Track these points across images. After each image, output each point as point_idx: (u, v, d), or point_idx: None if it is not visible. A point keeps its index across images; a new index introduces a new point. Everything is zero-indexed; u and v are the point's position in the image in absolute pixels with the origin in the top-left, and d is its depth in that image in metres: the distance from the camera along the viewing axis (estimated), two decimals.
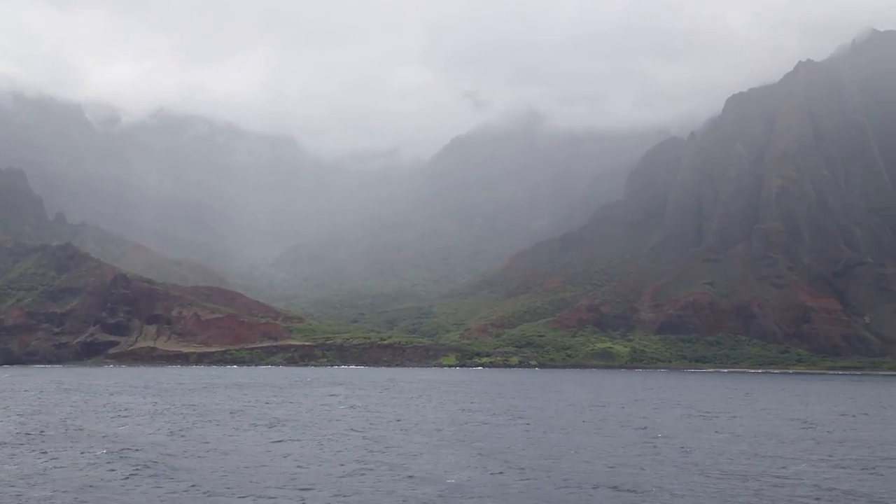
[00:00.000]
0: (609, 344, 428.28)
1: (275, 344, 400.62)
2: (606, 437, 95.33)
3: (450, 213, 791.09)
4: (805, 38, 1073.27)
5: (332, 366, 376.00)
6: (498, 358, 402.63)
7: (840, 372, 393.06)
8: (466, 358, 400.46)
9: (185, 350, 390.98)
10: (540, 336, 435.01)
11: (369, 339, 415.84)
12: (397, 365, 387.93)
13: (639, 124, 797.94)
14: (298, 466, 70.62)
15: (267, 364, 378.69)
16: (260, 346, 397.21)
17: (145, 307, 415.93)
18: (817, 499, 61.02)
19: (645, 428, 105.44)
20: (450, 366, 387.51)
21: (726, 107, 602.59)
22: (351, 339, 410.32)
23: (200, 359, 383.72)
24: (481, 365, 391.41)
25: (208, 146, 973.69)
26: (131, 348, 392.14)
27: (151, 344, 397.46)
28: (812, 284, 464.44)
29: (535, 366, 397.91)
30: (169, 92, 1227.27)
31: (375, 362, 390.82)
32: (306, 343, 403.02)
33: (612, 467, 72.01)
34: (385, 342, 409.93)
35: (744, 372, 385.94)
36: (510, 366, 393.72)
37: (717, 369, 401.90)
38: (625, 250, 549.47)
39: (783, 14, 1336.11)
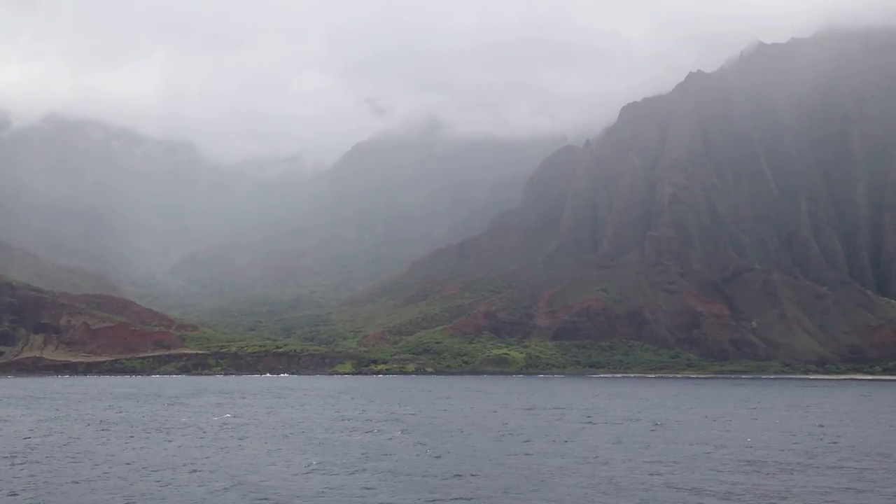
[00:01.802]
0: (505, 350, 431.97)
1: (167, 353, 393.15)
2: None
3: (350, 219, 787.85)
4: (695, 49, 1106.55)
5: (225, 374, 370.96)
6: (395, 365, 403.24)
7: (728, 376, 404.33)
8: (363, 365, 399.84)
9: (73, 360, 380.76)
10: (437, 343, 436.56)
11: (265, 347, 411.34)
12: (293, 373, 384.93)
13: (537, 132, 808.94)
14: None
15: (158, 373, 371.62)
16: (152, 355, 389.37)
17: (32, 316, 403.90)
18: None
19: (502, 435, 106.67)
20: (346, 373, 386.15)
21: (620, 116, 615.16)
22: (246, 348, 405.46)
23: (89, 369, 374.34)
24: (378, 372, 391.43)
25: (103, 151, 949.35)
26: (16, 358, 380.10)
27: (38, 354, 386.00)
28: (702, 290, 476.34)
29: (431, 372, 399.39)
30: (62, 95, 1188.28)
31: (271, 370, 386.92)
32: (200, 352, 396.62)
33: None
34: (281, 350, 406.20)
35: (638, 377, 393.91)
36: (406, 373, 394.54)
37: (610, 374, 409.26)
38: (522, 257, 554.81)
39: (675, 27, 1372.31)
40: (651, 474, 75.45)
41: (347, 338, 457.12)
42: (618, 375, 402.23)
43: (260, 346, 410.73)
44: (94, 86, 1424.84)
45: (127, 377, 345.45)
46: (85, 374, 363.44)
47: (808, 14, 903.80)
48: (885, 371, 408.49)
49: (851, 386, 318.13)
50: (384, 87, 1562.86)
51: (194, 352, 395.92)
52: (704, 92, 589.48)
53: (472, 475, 74.09)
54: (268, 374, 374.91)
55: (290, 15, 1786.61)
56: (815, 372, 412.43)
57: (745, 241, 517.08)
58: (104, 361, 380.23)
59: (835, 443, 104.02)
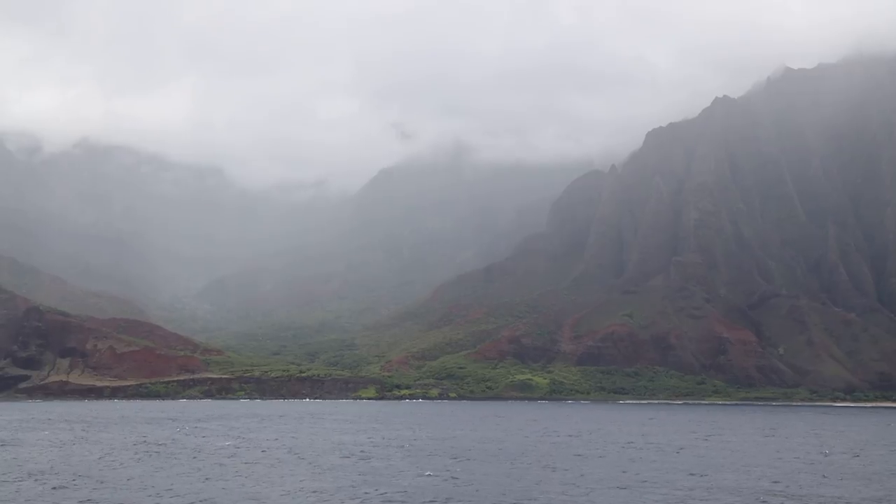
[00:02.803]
0: (529, 375, 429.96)
1: (192, 377, 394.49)
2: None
3: (376, 244, 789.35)
4: (722, 74, 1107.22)
5: (249, 399, 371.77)
6: (418, 390, 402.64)
7: (754, 403, 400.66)
8: (386, 390, 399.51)
9: (98, 384, 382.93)
10: (460, 368, 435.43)
11: (288, 371, 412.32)
12: (316, 398, 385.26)
13: (563, 157, 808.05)
14: None
15: (183, 397, 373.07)
16: (176, 379, 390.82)
17: (59, 340, 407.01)
18: None
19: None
20: (369, 398, 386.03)
21: (646, 141, 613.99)
22: (269, 372, 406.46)
23: (115, 393, 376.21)
24: (401, 397, 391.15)
25: (133, 176, 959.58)
26: (43, 382, 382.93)
27: (64, 378, 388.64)
28: (728, 316, 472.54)
29: (454, 397, 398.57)
30: (93, 121, 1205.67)
31: (294, 395, 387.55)
32: (224, 376, 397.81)
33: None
34: (304, 375, 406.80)
35: (663, 403, 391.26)
36: (430, 398, 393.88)
37: (636, 401, 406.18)
38: (547, 282, 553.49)
39: (701, 52, 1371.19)
40: None
41: (371, 362, 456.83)
42: (643, 402, 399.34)
43: (284, 371, 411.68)
44: (124, 111, 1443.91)
45: (151, 402, 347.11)
46: (110, 399, 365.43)
47: (835, 39, 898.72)
48: None
49: (878, 414, 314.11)
50: (410, 112, 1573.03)
51: (218, 376, 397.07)
52: (731, 117, 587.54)
53: None
54: (291, 399, 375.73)
55: (317, 41, 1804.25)
56: (843, 399, 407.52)
57: (772, 267, 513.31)
58: (129, 385, 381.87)
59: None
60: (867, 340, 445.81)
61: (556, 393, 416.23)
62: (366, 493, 78.95)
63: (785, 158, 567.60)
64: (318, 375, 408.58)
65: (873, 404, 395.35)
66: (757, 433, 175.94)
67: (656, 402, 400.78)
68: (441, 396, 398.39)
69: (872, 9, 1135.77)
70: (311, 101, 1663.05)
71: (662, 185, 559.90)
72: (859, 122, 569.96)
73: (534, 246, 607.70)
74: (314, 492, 79.54)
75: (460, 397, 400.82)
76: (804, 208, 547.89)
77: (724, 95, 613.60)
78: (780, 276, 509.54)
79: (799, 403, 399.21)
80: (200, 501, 74.60)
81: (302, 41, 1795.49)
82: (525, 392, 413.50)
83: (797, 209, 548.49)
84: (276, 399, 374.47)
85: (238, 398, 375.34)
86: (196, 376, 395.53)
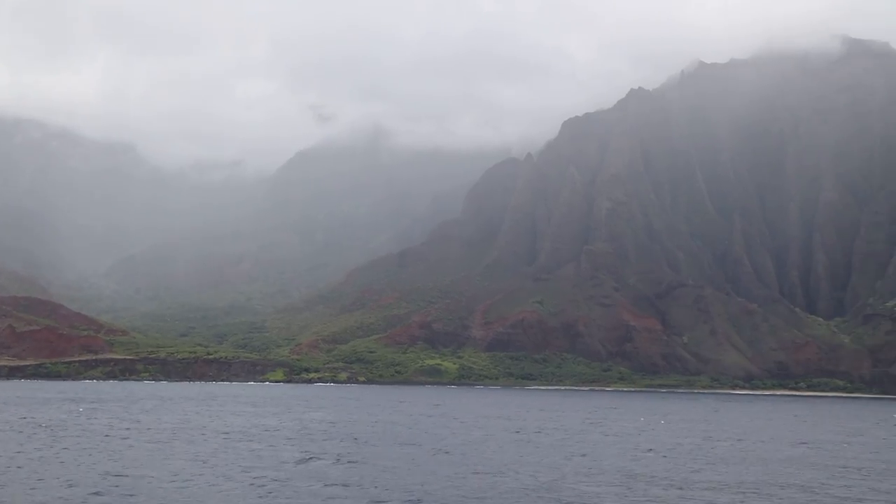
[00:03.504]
0: (438, 361, 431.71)
1: (94, 357, 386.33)
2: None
3: (291, 226, 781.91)
4: (637, 66, 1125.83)
5: (153, 381, 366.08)
6: (326, 374, 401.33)
7: (657, 390, 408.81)
8: (294, 374, 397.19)
9: None
10: (371, 352, 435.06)
11: (195, 353, 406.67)
12: (223, 380, 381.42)
13: (481, 144, 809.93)
14: None
15: (85, 378, 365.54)
16: (78, 359, 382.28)
17: None
18: None
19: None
20: (277, 381, 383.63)
21: (562, 130, 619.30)
22: (175, 354, 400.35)
23: (13, 373, 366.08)
24: (310, 381, 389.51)
25: (41, 151, 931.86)
26: None
27: None
28: (636, 305, 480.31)
29: (363, 382, 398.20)
30: None
31: (200, 377, 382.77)
32: (128, 357, 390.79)
33: None
34: (211, 357, 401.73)
35: (570, 389, 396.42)
36: (338, 382, 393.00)
37: (543, 387, 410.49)
38: (461, 268, 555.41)
39: (619, 45, 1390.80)
40: None
41: (281, 345, 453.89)
42: (550, 388, 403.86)
43: (190, 353, 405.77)
44: (33, 85, 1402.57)
45: (51, 382, 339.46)
46: (8, 378, 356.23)
47: (747, 36, 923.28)
48: (810, 387, 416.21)
49: (771, 401, 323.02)
50: (329, 94, 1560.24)
51: (122, 357, 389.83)
52: (645, 109, 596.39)
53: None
54: (197, 381, 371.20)
55: (235, 19, 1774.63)
56: (742, 387, 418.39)
57: (680, 258, 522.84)
58: (28, 365, 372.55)
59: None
60: (767, 331, 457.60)
61: (465, 378, 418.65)
62: (242, 476, 78.22)
63: (696, 152, 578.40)
64: (226, 357, 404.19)
65: (770, 392, 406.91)
66: (656, 418, 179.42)
67: (563, 388, 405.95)
68: (350, 380, 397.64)
69: (782, 7, 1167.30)
70: (228, 81, 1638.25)
71: (576, 174, 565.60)
72: (767, 118, 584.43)
73: (448, 232, 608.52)
74: (185, 475, 78.46)
75: (369, 381, 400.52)
76: (712, 201, 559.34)
77: (640, 88, 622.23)
78: (687, 266, 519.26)
79: (700, 391, 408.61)
80: (56, 479, 73.23)
81: (220, 19, 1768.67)
82: (434, 377, 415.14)
83: (706, 202, 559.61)
84: (182, 381, 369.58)
85: (142, 380, 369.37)
86: (99, 357, 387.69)
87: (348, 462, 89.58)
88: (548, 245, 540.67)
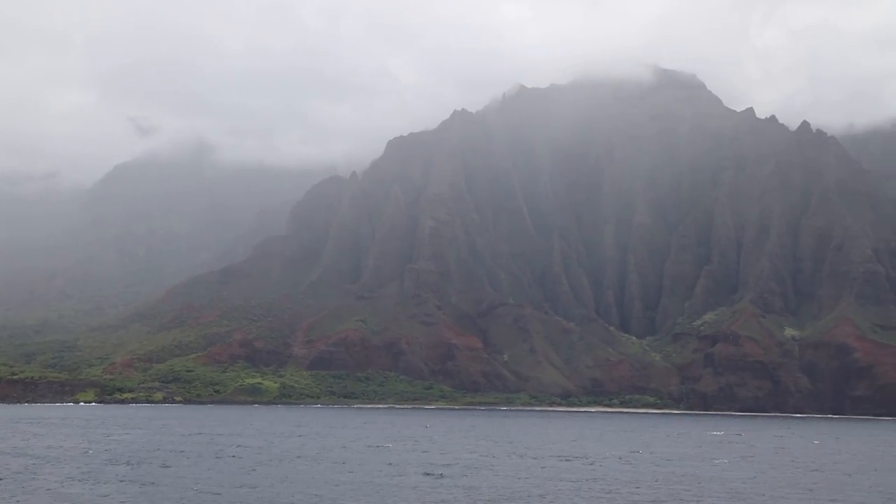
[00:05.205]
0: (259, 379, 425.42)
1: None
2: None
3: (109, 242, 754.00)
4: (462, 89, 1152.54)
5: None
6: (141, 394, 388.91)
7: (478, 407, 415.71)
8: (107, 394, 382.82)
9: None
10: (189, 371, 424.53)
11: None
12: (28, 402, 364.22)
13: (307, 161, 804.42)
14: None
15: None
16: None
17: None
18: None
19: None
20: (87, 402, 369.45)
21: (387, 149, 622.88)
22: None
23: None
24: (123, 401, 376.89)
25: None
26: None
27: None
28: (458, 323, 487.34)
29: (179, 401, 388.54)
30: None
31: (2, 399, 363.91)
32: None
33: None
34: (15, 377, 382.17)
35: (391, 408, 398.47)
36: (154, 402, 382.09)
37: (365, 405, 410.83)
38: (284, 286, 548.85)
39: (442, 66, 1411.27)
40: None
41: (94, 364, 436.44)
42: (371, 406, 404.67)
43: None
44: None
45: None
46: None
47: (566, 62, 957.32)
48: (622, 404, 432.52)
49: (583, 417, 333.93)
50: (149, 107, 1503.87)
51: None
52: (468, 130, 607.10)
53: None
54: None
55: (48, 29, 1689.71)
56: (559, 404, 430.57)
57: (502, 277, 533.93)
58: None
59: None
60: (583, 349, 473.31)
61: (286, 397, 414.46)
62: None
63: (517, 173, 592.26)
64: (32, 378, 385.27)
65: (585, 409, 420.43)
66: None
67: (384, 406, 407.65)
68: (166, 400, 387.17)
69: (599, 36, 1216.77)
70: (43, 90, 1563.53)
71: (400, 193, 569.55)
72: (585, 142, 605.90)
73: (272, 249, 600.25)
74: None
75: (186, 401, 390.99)
76: (533, 221, 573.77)
77: (463, 109, 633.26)
78: (508, 285, 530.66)
79: (519, 408, 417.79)
80: None
81: (31, 28, 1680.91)
82: (255, 396, 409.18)
83: (526, 222, 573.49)
84: None
85: None
86: None
87: None
88: (371, 263, 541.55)
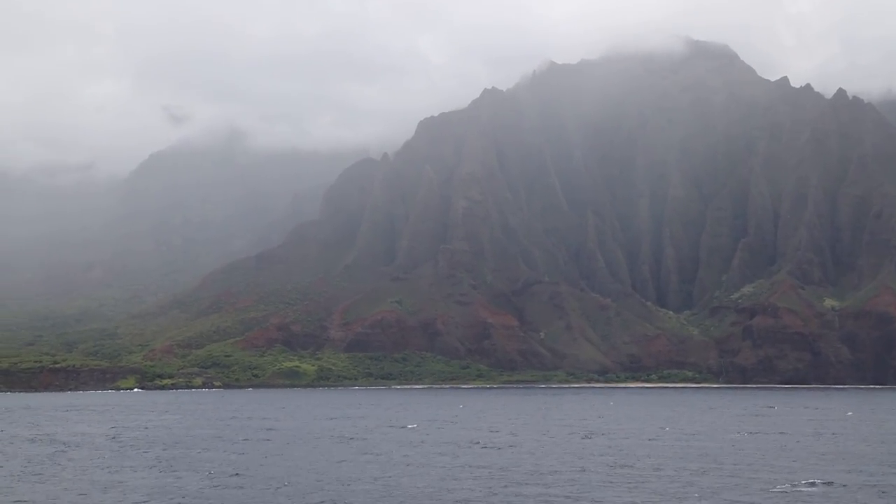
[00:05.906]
0: (296, 363, 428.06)
1: None
2: None
3: (145, 231, 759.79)
4: (490, 67, 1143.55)
5: None
6: (181, 380, 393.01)
7: (515, 385, 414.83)
8: (147, 380, 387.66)
9: None
10: (227, 356, 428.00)
11: (41, 362, 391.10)
12: (72, 389, 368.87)
13: (339, 145, 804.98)
14: None
15: None
16: None
17: None
18: None
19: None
20: (129, 388, 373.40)
21: (418, 130, 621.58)
22: (19, 364, 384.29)
23: None
24: (163, 387, 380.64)
25: None
26: None
27: None
28: (493, 302, 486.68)
29: (219, 386, 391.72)
30: None
31: (47, 387, 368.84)
32: None
33: None
34: (58, 365, 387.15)
35: (429, 388, 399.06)
36: (193, 387, 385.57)
37: (403, 386, 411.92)
38: (319, 269, 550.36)
39: (471, 44, 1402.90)
40: None
41: (133, 352, 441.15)
42: (409, 387, 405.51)
43: (36, 362, 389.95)
44: None
45: None
46: None
47: (596, 37, 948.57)
48: (661, 379, 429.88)
49: (619, 393, 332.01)
50: (181, 95, 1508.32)
51: None
52: (498, 108, 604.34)
53: None
54: (44, 391, 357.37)
55: (80, 20, 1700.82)
56: (597, 381, 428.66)
57: (536, 254, 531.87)
58: None
59: None
60: (620, 325, 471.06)
61: (324, 380, 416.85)
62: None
63: (549, 150, 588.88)
64: (74, 366, 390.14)
65: (624, 385, 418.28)
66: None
67: (421, 386, 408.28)
68: (205, 385, 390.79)
69: (628, 9, 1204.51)
70: (76, 82, 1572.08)
71: (433, 173, 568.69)
72: (616, 116, 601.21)
73: (306, 233, 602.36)
74: None
75: (226, 386, 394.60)
76: (566, 198, 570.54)
77: (493, 87, 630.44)
78: (542, 263, 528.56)
79: (557, 385, 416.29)
80: None
81: (63, 19, 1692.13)
82: (293, 379, 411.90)
83: (560, 199, 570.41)
84: (27, 391, 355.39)
85: None
86: None
87: None
88: (406, 244, 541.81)
